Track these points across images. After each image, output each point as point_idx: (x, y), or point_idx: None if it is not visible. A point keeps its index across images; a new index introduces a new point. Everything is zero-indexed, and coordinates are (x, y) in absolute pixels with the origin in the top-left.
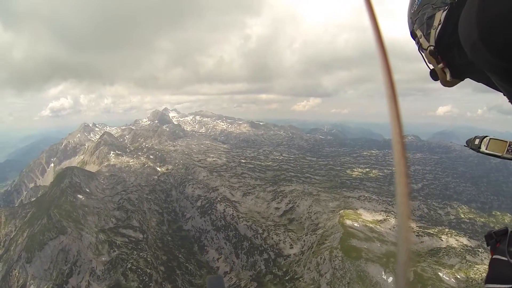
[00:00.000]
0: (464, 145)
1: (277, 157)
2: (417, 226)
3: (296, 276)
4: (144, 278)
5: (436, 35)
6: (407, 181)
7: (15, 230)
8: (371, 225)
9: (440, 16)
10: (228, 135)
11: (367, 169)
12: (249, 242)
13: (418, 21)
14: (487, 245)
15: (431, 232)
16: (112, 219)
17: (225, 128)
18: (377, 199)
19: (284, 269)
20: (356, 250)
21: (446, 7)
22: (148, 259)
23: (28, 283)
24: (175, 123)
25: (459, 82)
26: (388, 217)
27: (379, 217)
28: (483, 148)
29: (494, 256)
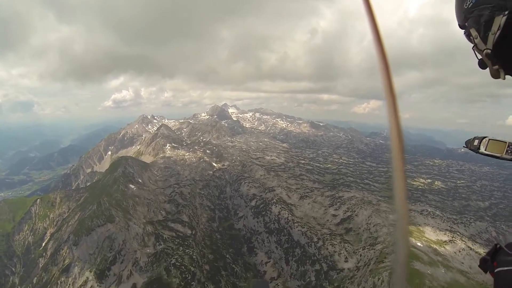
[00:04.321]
0: (463, 146)
1: (337, 160)
2: (484, 252)
3: None
4: (187, 276)
5: (494, 40)
6: (404, 180)
7: (68, 212)
8: (435, 246)
9: (500, 21)
10: (287, 134)
11: (429, 180)
12: (302, 249)
13: (473, 20)
14: (485, 272)
15: None
16: (162, 212)
17: (284, 126)
18: (441, 215)
19: (336, 284)
20: (419, 275)
21: (506, 13)
22: (194, 256)
23: (73, 264)
24: (234, 119)
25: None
26: (453, 239)
27: (444, 238)
28: (482, 149)
29: (497, 269)
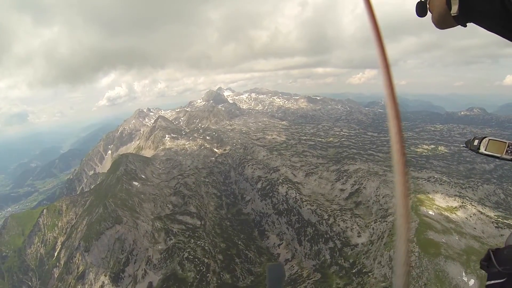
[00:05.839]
0: (463, 146)
1: (338, 133)
2: (494, 215)
3: (364, 270)
4: (202, 268)
5: None
6: (406, 178)
7: (75, 218)
8: (446, 213)
9: None
10: (285, 111)
11: (433, 146)
12: (314, 228)
13: None
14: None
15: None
16: (169, 205)
17: (282, 104)
18: (449, 181)
19: (351, 260)
20: (435, 245)
21: None
22: (206, 247)
23: (87, 270)
24: (231, 101)
25: (455, 25)
26: (463, 204)
27: (454, 203)
28: (482, 149)
29: (487, 283)
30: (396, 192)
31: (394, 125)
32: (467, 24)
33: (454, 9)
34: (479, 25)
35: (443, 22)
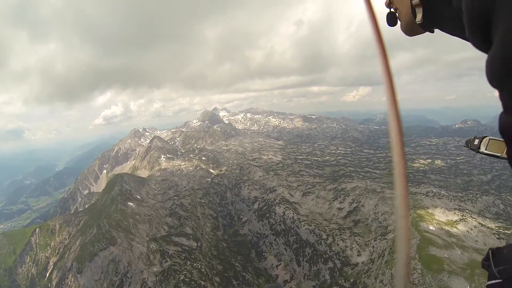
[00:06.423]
0: (464, 146)
1: (334, 151)
2: (495, 226)
3: None
4: None
5: None
6: (406, 183)
7: (68, 238)
8: (447, 227)
9: None
10: (281, 131)
11: (429, 160)
12: (312, 248)
13: None
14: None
15: None
16: (164, 227)
17: (277, 124)
18: (447, 194)
19: (352, 280)
20: (437, 260)
21: None
22: (203, 269)
23: None
24: (226, 122)
25: (423, 32)
26: (464, 217)
27: (454, 217)
28: (482, 149)
29: (487, 283)
30: (396, 206)
31: (395, 134)
32: (434, 30)
33: (419, 17)
34: (443, 31)
35: (411, 30)
